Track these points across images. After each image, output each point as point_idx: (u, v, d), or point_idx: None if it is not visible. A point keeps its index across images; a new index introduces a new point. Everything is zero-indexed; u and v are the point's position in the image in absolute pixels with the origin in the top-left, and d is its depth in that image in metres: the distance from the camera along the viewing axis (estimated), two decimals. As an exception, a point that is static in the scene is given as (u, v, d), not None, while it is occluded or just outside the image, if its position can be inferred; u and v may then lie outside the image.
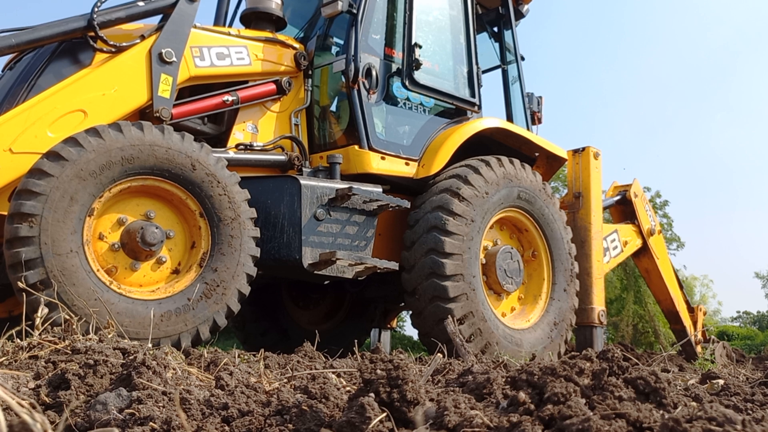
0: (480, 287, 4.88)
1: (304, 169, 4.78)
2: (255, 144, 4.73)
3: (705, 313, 8.24)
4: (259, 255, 4.08)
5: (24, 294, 3.18)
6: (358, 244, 4.59)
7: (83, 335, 2.85)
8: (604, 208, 7.35)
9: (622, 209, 7.50)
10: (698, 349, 7.65)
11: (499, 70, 6.48)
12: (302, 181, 4.39)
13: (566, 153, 6.51)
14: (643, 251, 7.44)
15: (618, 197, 7.45)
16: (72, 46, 4.14)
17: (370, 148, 4.85)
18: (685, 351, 7.79)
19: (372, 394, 1.52)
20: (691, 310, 7.87)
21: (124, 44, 4.17)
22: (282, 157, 4.77)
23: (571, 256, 5.70)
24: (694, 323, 7.76)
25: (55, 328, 2.98)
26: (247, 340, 6.09)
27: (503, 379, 1.78)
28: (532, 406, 1.46)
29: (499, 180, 5.16)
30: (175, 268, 3.91)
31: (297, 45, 5.12)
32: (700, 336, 7.77)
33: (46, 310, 3.03)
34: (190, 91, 4.56)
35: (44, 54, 4.12)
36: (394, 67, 5.17)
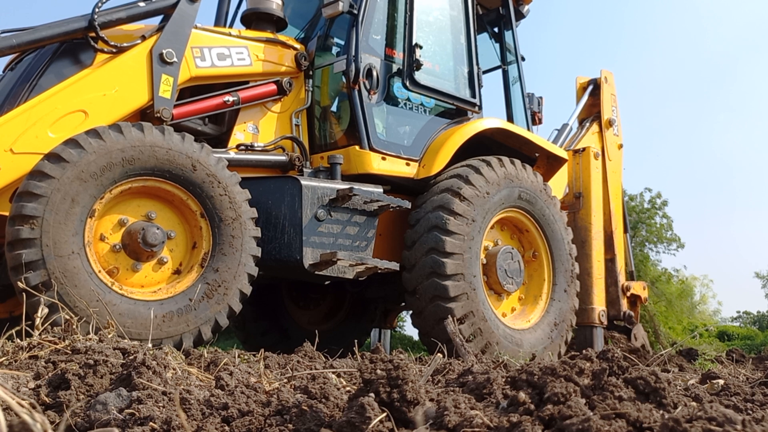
0: (480, 287, 4.88)
1: (304, 169, 4.78)
2: (256, 144, 4.73)
3: (646, 293, 7.28)
4: (260, 255, 4.08)
5: (25, 295, 3.19)
6: (358, 244, 4.59)
7: (83, 336, 2.85)
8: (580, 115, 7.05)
9: (591, 104, 7.22)
10: (624, 303, 6.77)
11: (500, 71, 6.48)
12: (303, 182, 4.39)
13: (567, 153, 6.51)
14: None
15: (590, 87, 7.20)
16: (73, 47, 4.14)
17: (371, 149, 4.85)
18: (608, 292, 6.70)
19: (372, 394, 1.52)
20: (631, 277, 7.21)
21: (125, 45, 4.18)
22: (283, 158, 4.77)
23: (571, 257, 5.69)
24: (631, 297, 6.94)
25: (55, 328, 2.99)
26: (247, 340, 6.09)
27: (503, 379, 1.78)
28: (532, 406, 1.46)
29: (500, 180, 5.16)
30: (177, 269, 3.92)
31: (298, 45, 5.12)
32: (632, 291, 6.89)
33: (46, 310, 3.04)
34: (190, 91, 4.56)
35: (45, 54, 4.12)
36: (395, 68, 5.17)
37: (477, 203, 4.93)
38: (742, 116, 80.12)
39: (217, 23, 5.88)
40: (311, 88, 5.10)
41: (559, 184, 6.47)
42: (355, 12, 4.88)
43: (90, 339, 2.74)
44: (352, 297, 6.31)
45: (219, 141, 4.73)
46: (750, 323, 31.20)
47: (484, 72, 6.08)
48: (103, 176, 3.56)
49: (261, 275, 4.22)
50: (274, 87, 4.88)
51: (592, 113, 7.27)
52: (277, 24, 5.14)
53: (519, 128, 5.88)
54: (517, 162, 5.44)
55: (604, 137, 7.11)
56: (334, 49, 5.38)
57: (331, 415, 1.64)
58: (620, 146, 7.38)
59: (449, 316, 4.53)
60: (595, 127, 7.11)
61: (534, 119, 6.47)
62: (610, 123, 7.19)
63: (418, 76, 5.16)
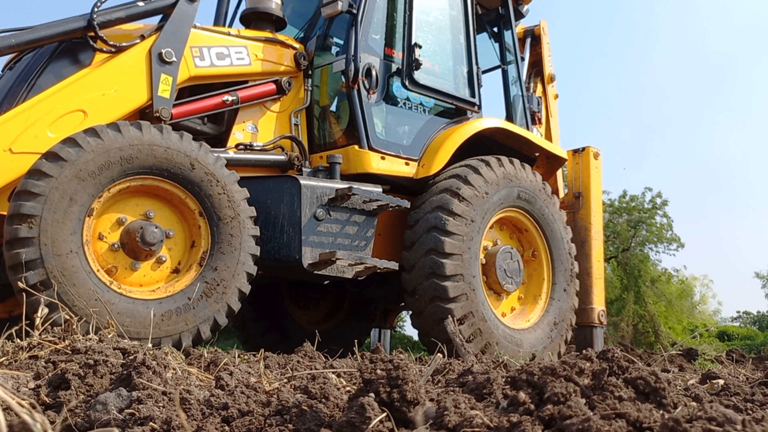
0: (480, 287, 4.88)
1: (303, 169, 4.77)
2: (255, 144, 4.73)
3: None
4: (258, 253, 4.08)
5: (24, 294, 3.18)
6: (358, 244, 4.59)
7: (83, 335, 2.85)
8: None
9: (531, 57, 6.95)
10: None
11: (499, 70, 6.48)
12: (302, 181, 4.39)
13: (566, 153, 6.51)
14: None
15: (529, 39, 6.86)
16: (72, 46, 4.14)
17: (370, 148, 4.85)
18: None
19: (372, 394, 1.52)
20: None
21: (124, 44, 4.17)
22: (282, 157, 4.77)
23: (571, 256, 5.70)
24: None
25: (55, 328, 2.98)
26: (247, 340, 6.09)
27: (503, 379, 1.77)
28: (532, 406, 1.45)
29: (499, 180, 5.16)
30: (175, 268, 3.91)
31: (297, 45, 5.12)
32: None
33: (46, 310, 3.03)
34: (190, 91, 4.56)
35: (44, 54, 4.12)
36: (394, 67, 5.17)
37: (476, 203, 4.93)
38: (742, 116, 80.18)
39: (216, 23, 5.87)
40: (310, 88, 5.09)
41: None
42: (355, 11, 4.88)
43: (90, 339, 2.73)
44: (352, 297, 6.31)
45: (218, 140, 4.73)
46: (750, 323, 31.25)
47: (484, 72, 6.08)
48: (102, 175, 3.55)
49: (260, 275, 4.21)
50: (273, 86, 4.87)
51: (533, 64, 6.98)
52: (277, 23, 5.14)
53: (518, 128, 5.87)
54: (516, 161, 5.44)
55: (546, 94, 6.83)
56: (334, 49, 5.37)
57: (331, 415, 1.63)
58: (556, 96, 7.14)
59: (449, 316, 4.52)
60: (538, 87, 6.84)
61: (534, 119, 6.47)
62: (552, 78, 6.92)
63: (418, 75, 5.16)
